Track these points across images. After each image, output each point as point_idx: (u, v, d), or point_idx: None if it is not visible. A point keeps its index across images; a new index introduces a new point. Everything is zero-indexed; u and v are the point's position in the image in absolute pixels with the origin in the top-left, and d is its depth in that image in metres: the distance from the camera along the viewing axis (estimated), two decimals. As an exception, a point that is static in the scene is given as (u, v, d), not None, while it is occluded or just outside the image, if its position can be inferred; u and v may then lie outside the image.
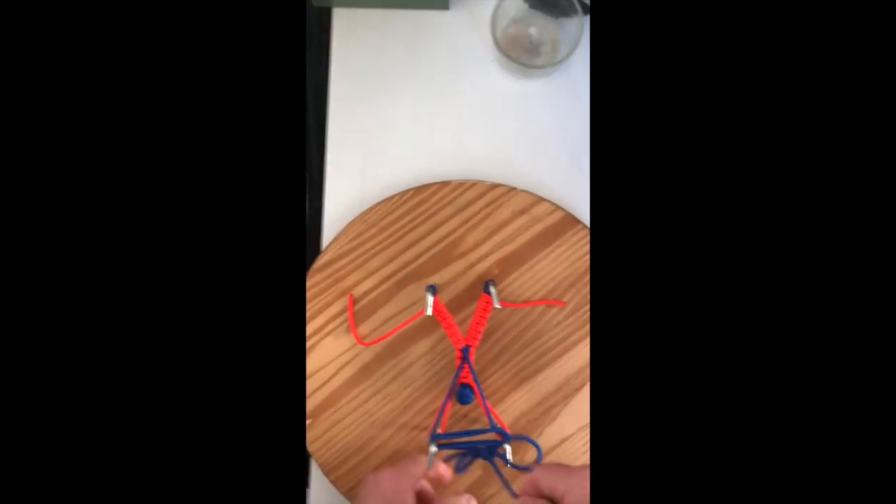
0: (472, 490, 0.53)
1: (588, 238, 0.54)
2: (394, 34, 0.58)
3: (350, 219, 0.55)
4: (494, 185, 0.54)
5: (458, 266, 0.54)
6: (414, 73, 0.57)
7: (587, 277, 0.54)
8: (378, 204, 0.55)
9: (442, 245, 0.54)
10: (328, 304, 0.54)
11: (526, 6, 0.54)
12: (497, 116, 0.57)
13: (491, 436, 0.51)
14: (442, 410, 0.50)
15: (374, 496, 0.41)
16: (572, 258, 0.54)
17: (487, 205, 0.54)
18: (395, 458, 0.54)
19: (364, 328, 0.54)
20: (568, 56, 0.51)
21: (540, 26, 0.56)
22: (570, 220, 0.54)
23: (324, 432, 0.54)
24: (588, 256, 0.54)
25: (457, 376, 0.51)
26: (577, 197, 0.56)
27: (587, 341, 0.54)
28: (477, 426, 0.54)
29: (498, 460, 0.49)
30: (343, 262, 0.54)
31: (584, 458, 0.54)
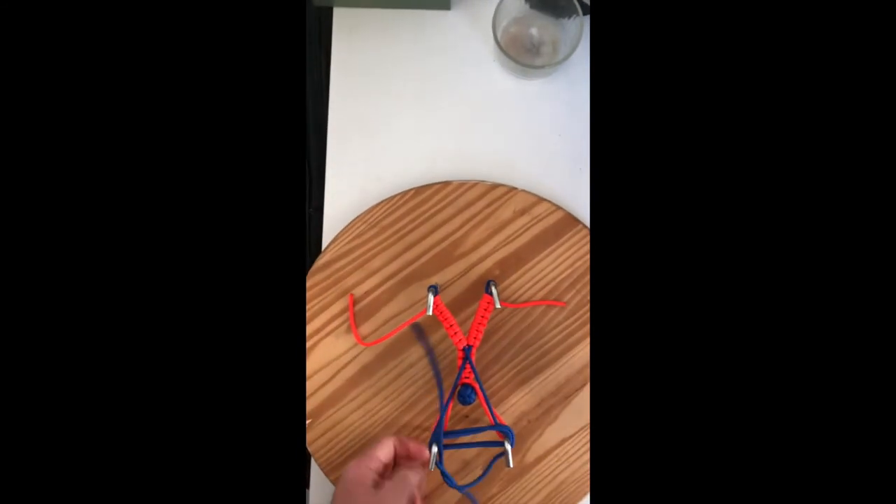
0: (472, 490, 0.53)
1: (588, 238, 0.54)
2: (395, 34, 0.58)
3: (350, 219, 0.55)
4: (495, 186, 0.55)
5: (459, 266, 0.54)
6: (415, 74, 0.57)
7: (587, 278, 0.54)
8: (379, 204, 0.55)
9: (443, 245, 0.54)
10: (328, 305, 0.54)
11: (527, 6, 0.54)
12: (497, 116, 0.57)
13: (493, 435, 0.50)
14: (443, 410, 0.50)
15: (339, 490, 0.43)
16: (572, 258, 0.54)
17: (488, 205, 0.54)
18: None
19: (365, 328, 0.54)
20: (568, 56, 0.51)
21: (540, 26, 0.56)
22: (571, 220, 0.54)
23: (324, 432, 0.54)
24: (588, 256, 0.54)
25: (459, 376, 0.51)
26: (577, 197, 0.56)
27: (587, 342, 0.54)
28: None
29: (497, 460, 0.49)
30: (343, 262, 0.54)
31: (585, 458, 0.54)
